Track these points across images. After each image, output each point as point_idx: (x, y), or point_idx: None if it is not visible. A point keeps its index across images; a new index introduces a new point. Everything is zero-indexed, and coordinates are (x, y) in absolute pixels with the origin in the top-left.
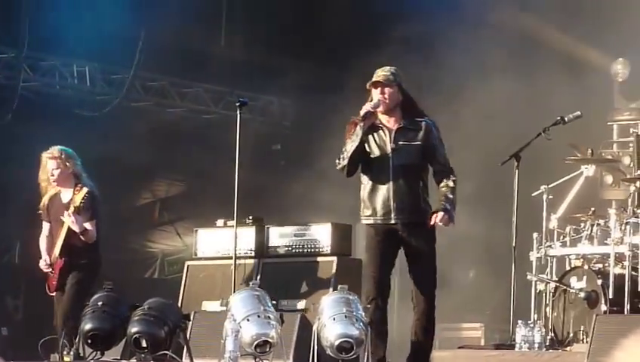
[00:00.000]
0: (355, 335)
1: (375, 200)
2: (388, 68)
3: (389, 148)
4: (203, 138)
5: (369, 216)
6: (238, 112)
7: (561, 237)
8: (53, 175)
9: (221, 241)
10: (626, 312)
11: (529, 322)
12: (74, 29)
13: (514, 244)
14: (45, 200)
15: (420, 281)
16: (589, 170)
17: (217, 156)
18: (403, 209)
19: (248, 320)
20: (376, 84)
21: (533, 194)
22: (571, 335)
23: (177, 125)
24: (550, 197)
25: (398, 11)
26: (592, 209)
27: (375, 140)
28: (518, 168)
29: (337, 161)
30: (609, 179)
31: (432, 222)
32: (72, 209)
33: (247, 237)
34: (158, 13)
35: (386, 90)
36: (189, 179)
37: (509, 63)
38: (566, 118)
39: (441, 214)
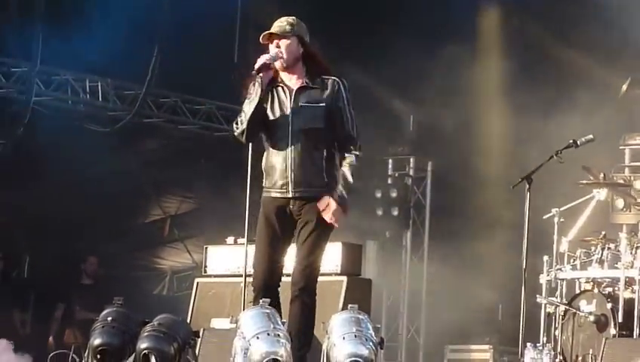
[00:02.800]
0: (364, 355)
1: (273, 169)
2: (285, 18)
3: (288, 109)
4: (214, 155)
5: (268, 188)
6: None
7: (572, 260)
8: None
9: (231, 259)
10: (635, 336)
11: (538, 345)
12: (87, 44)
13: (524, 266)
14: None
15: (299, 259)
16: (600, 193)
17: (228, 173)
18: (301, 181)
19: (258, 337)
20: (271, 37)
21: (544, 217)
22: (580, 358)
23: (189, 142)
24: (561, 220)
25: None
26: (603, 233)
27: (275, 101)
28: (529, 191)
29: (235, 125)
30: (620, 203)
31: (321, 208)
32: None
33: None
34: (171, 30)
35: (282, 42)
36: (200, 196)
37: (524, 85)
38: (578, 142)
39: (332, 205)
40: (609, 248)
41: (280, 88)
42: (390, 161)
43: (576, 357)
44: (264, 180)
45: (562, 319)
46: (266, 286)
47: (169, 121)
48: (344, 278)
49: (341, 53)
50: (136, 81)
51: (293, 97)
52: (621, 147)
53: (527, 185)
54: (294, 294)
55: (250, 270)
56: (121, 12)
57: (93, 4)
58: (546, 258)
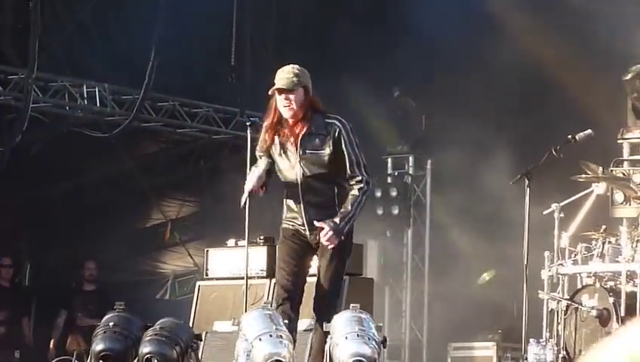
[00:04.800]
0: (367, 354)
1: (290, 209)
2: (290, 69)
3: (295, 157)
4: (214, 158)
5: (286, 219)
6: (248, 132)
7: (573, 255)
8: None
9: (232, 261)
10: None
11: (541, 340)
12: (84, 50)
13: (525, 262)
14: None
15: (319, 293)
16: (599, 187)
17: (228, 176)
18: (315, 221)
19: (260, 339)
20: (280, 91)
21: (544, 213)
22: (583, 353)
23: (188, 146)
24: (561, 215)
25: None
26: (604, 226)
27: (282, 148)
28: (529, 187)
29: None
30: (620, 196)
31: (318, 228)
32: None
33: (258, 257)
34: (168, 34)
35: (291, 95)
36: (200, 200)
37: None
38: (577, 137)
39: (328, 232)
40: (610, 242)
41: (287, 139)
42: (389, 159)
43: (580, 351)
44: (285, 212)
45: (565, 314)
46: (289, 305)
47: (167, 125)
48: (346, 278)
49: (338, 54)
50: (134, 86)
51: (298, 145)
52: (619, 141)
53: (527, 181)
54: (316, 324)
55: (251, 272)
56: (117, 17)
57: (90, 9)
58: (547, 253)
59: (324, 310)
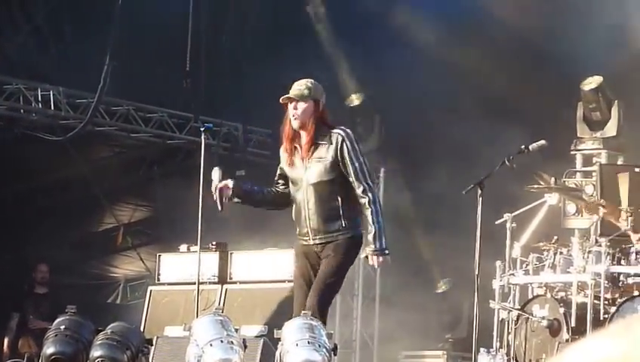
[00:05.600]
0: (318, 361)
1: (297, 220)
2: (304, 82)
3: (302, 167)
4: (167, 163)
5: (297, 235)
6: (202, 138)
7: (524, 265)
8: None
9: (184, 267)
10: None
11: (491, 350)
12: (39, 53)
13: (477, 272)
14: None
15: (312, 291)
16: (552, 198)
17: (181, 181)
18: (319, 230)
19: (211, 345)
20: (289, 100)
21: (496, 223)
22: None
23: (141, 150)
24: (513, 225)
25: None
26: (555, 237)
27: (293, 160)
28: (481, 196)
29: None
30: (572, 208)
31: (362, 257)
32: None
33: (210, 263)
34: (123, 38)
35: (300, 105)
36: (153, 205)
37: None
38: (530, 147)
39: (374, 259)
40: (561, 253)
41: (296, 148)
42: None
43: (530, 361)
44: (295, 228)
45: (515, 324)
46: None
47: (121, 129)
48: None
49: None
50: (89, 90)
51: (304, 155)
52: (572, 152)
53: (480, 191)
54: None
55: (203, 277)
56: (72, 21)
57: (45, 12)
58: (498, 263)
59: (310, 306)
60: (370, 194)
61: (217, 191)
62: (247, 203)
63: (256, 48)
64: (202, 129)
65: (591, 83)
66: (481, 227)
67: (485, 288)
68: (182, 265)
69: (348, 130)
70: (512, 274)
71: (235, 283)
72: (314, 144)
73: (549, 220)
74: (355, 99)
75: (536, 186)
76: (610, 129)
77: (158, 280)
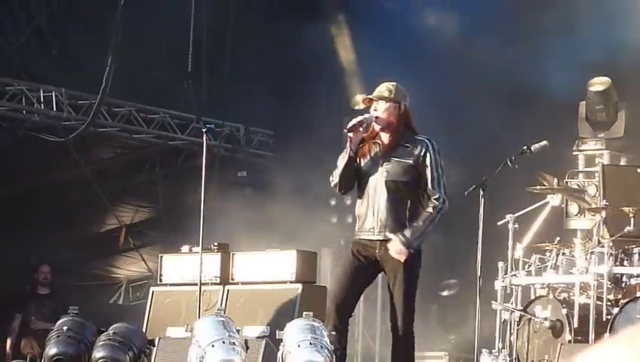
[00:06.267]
0: None
1: (364, 215)
2: (386, 84)
3: (380, 163)
4: (169, 164)
5: (358, 231)
6: (204, 138)
7: (527, 266)
8: None
9: (186, 268)
10: (590, 342)
11: (493, 351)
12: (41, 54)
13: (479, 273)
14: None
15: (394, 307)
16: (554, 199)
17: (183, 182)
18: (386, 226)
19: (213, 346)
20: (371, 100)
21: (498, 223)
22: None
23: (143, 151)
24: (516, 226)
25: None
26: (558, 238)
27: (369, 155)
28: (483, 197)
29: (331, 177)
30: (574, 208)
31: (391, 249)
32: None
33: (212, 264)
34: (125, 39)
35: (379, 105)
36: (155, 205)
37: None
38: (532, 148)
39: (398, 247)
40: (564, 254)
41: (376, 144)
42: None
43: None
44: (357, 224)
45: (517, 325)
46: (339, 316)
47: (123, 130)
48: (299, 286)
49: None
50: (90, 91)
51: (385, 153)
52: (575, 153)
53: (481, 192)
54: (396, 339)
55: (205, 278)
56: (74, 22)
57: (47, 14)
58: (501, 264)
59: (403, 329)
60: (441, 204)
61: (353, 126)
62: (350, 163)
63: (257, 48)
64: (204, 130)
65: (598, 85)
66: (483, 228)
67: (488, 289)
68: (184, 266)
69: (433, 141)
70: (515, 275)
71: (237, 283)
72: (396, 145)
73: (551, 221)
74: (360, 102)
75: (538, 187)
76: (617, 130)
77: (160, 281)
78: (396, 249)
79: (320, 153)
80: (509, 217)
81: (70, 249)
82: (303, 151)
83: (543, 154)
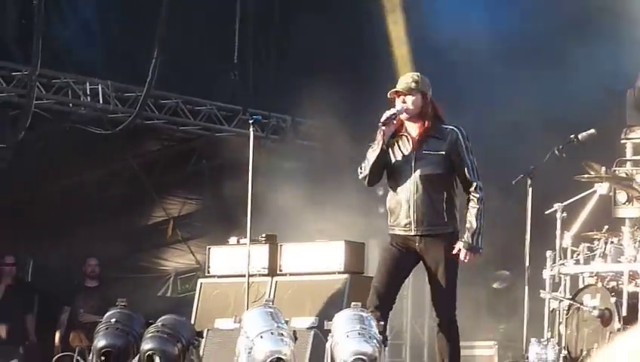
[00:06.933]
0: (369, 353)
1: (397, 210)
2: (411, 75)
3: (411, 157)
4: (216, 156)
5: (392, 225)
6: (251, 130)
7: (575, 255)
8: None
9: (234, 259)
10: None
11: (542, 340)
12: (87, 47)
13: (527, 262)
14: None
15: (437, 295)
16: (602, 187)
17: (230, 174)
18: (423, 221)
19: (262, 337)
20: (397, 93)
21: (546, 212)
22: (585, 352)
23: (190, 143)
24: (564, 215)
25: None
26: (606, 227)
27: (399, 149)
28: (531, 186)
29: (359, 169)
30: (622, 196)
31: (454, 252)
32: None
33: (260, 255)
34: (171, 32)
35: (408, 98)
36: (202, 197)
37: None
38: (580, 137)
39: (462, 252)
40: (612, 242)
41: (404, 137)
42: None
43: (581, 351)
44: (389, 218)
45: (566, 314)
46: (380, 308)
47: (170, 122)
48: (347, 276)
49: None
50: (137, 83)
51: (415, 146)
52: (622, 141)
53: (529, 181)
54: (440, 327)
55: (253, 269)
56: (120, 15)
57: (93, 7)
58: (549, 253)
59: (447, 317)
60: (481, 193)
61: (387, 120)
62: (381, 157)
63: (303, 38)
64: (251, 121)
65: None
66: (531, 217)
67: (536, 278)
68: (232, 258)
69: (461, 127)
70: (563, 264)
71: (285, 275)
72: (426, 136)
73: (599, 209)
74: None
75: (586, 176)
76: None
77: (208, 272)
78: (464, 255)
79: (367, 143)
80: (557, 206)
81: (118, 241)
82: (350, 141)
83: (590, 142)
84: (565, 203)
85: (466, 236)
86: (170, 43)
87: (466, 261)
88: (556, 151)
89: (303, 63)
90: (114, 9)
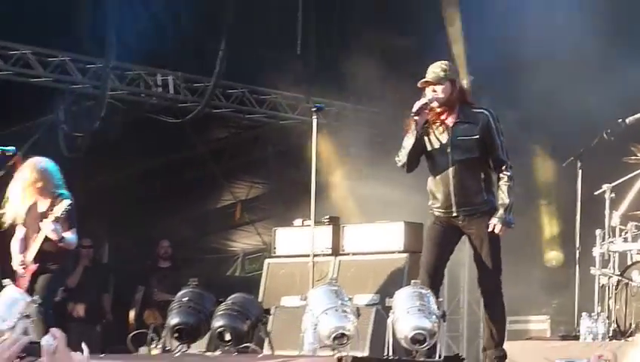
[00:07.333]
0: (428, 328)
1: (438, 193)
2: (439, 64)
3: (447, 144)
4: (280, 142)
5: (434, 207)
6: (314, 117)
7: (623, 233)
8: (38, 187)
9: (299, 240)
10: None
11: (593, 314)
12: (158, 40)
13: (578, 241)
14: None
15: (483, 268)
16: None
17: (294, 159)
18: (464, 202)
19: (326, 313)
20: (427, 83)
21: (595, 193)
22: (633, 326)
23: (256, 130)
24: (612, 195)
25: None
26: None
27: (434, 136)
28: (581, 168)
29: (397, 158)
30: None
31: (489, 230)
32: (51, 218)
33: (324, 236)
34: (236, 24)
35: (438, 87)
36: (268, 182)
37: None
38: (627, 120)
39: (497, 227)
40: None
41: (438, 124)
42: None
43: (630, 324)
44: (430, 200)
45: (615, 289)
46: (431, 284)
47: (237, 110)
48: (406, 255)
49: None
50: (205, 74)
51: (450, 132)
52: None
53: (579, 163)
54: (486, 299)
55: (317, 250)
56: (188, 9)
57: (163, 2)
58: (598, 231)
59: (493, 288)
60: (511, 171)
61: (419, 109)
62: (417, 145)
63: (364, 27)
64: (314, 109)
65: None
66: (581, 197)
67: (587, 256)
68: (297, 239)
69: (491, 110)
70: (612, 242)
71: (347, 254)
72: (458, 122)
73: None
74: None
75: (633, 158)
76: None
77: (275, 253)
78: (499, 230)
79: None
80: (605, 187)
81: (189, 224)
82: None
83: (638, 126)
84: (614, 184)
85: (500, 212)
86: (236, 35)
87: (500, 235)
88: (605, 135)
89: (364, 51)
90: (182, 3)
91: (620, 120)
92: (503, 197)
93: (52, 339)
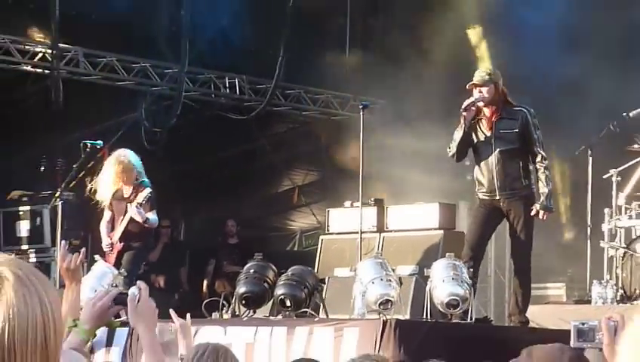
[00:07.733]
0: (461, 294)
1: (483, 179)
2: (485, 69)
3: (491, 137)
4: (332, 135)
5: (480, 191)
6: (361, 114)
7: (628, 211)
8: (122, 176)
9: (349, 219)
10: None
11: (602, 281)
12: (225, 47)
13: (589, 218)
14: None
15: (516, 244)
16: None
17: (344, 150)
18: (505, 187)
19: (373, 282)
20: (474, 85)
21: (604, 177)
22: (638, 291)
23: (311, 125)
24: (618, 178)
25: None
26: None
27: (480, 130)
28: (591, 156)
29: (448, 148)
30: None
31: (532, 213)
32: (135, 204)
33: (370, 216)
34: (293, 33)
35: (483, 88)
36: (322, 169)
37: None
38: (630, 114)
39: (540, 213)
40: None
41: (484, 120)
42: None
43: (635, 290)
44: (477, 186)
45: (622, 260)
46: (474, 258)
47: (294, 108)
48: (441, 232)
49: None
50: (267, 77)
51: (493, 127)
52: None
53: (590, 151)
54: (516, 272)
55: (364, 227)
56: (251, 20)
57: (229, 14)
58: (606, 210)
59: (523, 262)
60: (546, 162)
61: (467, 107)
62: (465, 137)
63: (405, 29)
64: (360, 106)
65: None
66: (591, 181)
67: (597, 231)
68: (347, 218)
69: (529, 108)
70: (618, 219)
71: (390, 231)
72: (501, 119)
73: None
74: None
75: (636, 146)
76: None
77: (328, 230)
78: (542, 215)
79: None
80: (612, 171)
81: (254, 206)
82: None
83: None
84: (619, 169)
85: (541, 200)
86: (294, 42)
87: (544, 219)
88: (611, 127)
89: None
90: (246, 14)
91: (625, 114)
92: (542, 186)
93: (137, 290)
